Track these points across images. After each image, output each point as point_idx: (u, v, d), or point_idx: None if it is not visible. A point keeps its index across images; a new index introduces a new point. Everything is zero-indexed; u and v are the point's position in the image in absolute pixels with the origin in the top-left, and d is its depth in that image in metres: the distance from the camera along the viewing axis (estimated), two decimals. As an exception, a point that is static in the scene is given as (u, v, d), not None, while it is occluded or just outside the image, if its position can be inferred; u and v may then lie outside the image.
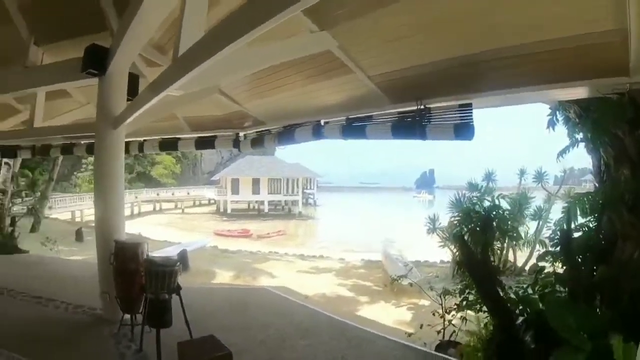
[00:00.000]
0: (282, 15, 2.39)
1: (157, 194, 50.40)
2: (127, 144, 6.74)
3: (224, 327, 5.24)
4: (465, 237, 5.42)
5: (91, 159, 41.40)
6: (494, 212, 4.95)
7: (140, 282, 4.92)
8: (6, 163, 15.58)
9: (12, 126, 9.03)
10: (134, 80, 6.12)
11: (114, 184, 5.93)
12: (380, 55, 4.74)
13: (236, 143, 7.67)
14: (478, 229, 5.21)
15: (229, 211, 48.39)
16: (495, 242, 4.97)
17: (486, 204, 5.11)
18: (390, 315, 11.10)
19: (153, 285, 4.44)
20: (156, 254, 5.45)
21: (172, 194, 52.40)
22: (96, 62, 5.61)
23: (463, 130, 4.30)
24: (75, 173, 48.57)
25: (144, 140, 8.73)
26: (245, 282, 15.54)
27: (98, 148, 6.00)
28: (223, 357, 3.57)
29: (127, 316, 5.38)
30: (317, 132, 5.98)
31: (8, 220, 15.87)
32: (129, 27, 4.48)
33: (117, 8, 5.65)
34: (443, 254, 15.61)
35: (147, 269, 4.62)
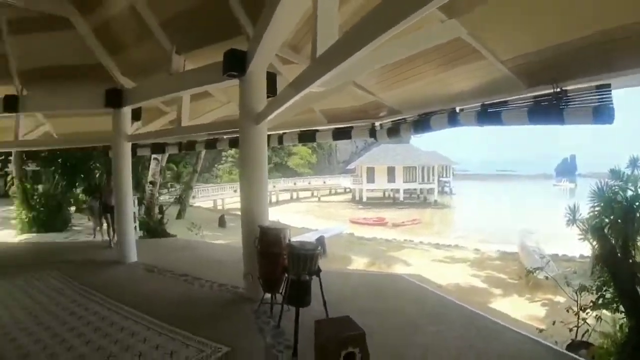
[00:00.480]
0: (418, 13, 2.49)
1: (294, 183, 53.51)
2: (268, 136, 7.24)
3: (358, 309, 5.42)
4: (605, 230, 5.15)
5: (231, 152, 45.24)
6: (638, 203, 4.55)
7: (282, 264, 5.45)
8: (155, 158, 17.96)
9: (161, 126, 10.27)
10: (272, 78, 6.71)
11: (258, 175, 6.58)
12: (511, 39, 4.70)
13: (372, 133, 7.90)
14: (620, 221, 4.89)
15: (364, 199, 49.49)
16: (639, 237, 4.60)
17: (629, 193, 4.67)
18: (523, 310, 10.97)
19: (295, 267, 4.86)
20: (296, 239, 6.05)
21: (309, 183, 55.19)
22: (235, 65, 6.20)
23: (602, 113, 4.13)
24: (216, 165, 53.17)
25: (284, 133, 9.38)
26: (380, 269, 16.00)
27: (242, 143, 6.70)
28: (356, 336, 3.73)
29: (267, 295, 6.02)
30: (453, 119, 6.03)
31: (157, 209, 18.42)
32: (264, 32, 4.95)
33: (249, 14, 6.34)
34: (583, 248, 14.55)
35: (290, 252, 5.04)
